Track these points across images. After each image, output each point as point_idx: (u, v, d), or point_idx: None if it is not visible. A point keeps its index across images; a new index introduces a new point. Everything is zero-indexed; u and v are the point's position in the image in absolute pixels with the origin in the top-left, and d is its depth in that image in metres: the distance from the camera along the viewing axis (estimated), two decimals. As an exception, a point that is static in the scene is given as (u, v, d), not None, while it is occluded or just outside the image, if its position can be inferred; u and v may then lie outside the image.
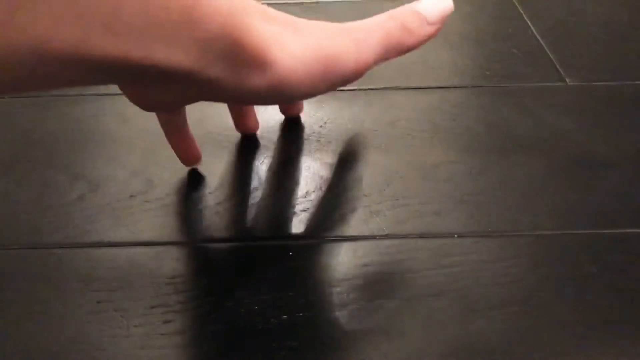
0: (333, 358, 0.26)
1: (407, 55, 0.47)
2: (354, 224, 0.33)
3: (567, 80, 0.44)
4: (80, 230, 0.32)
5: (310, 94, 0.27)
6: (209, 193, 0.35)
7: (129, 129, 0.40)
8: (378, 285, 0.30)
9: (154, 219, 0.33)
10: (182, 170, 0.36)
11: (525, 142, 0.38)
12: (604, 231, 0.32)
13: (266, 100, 0.29)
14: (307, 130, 0.40)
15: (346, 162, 0.37)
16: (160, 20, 0.21)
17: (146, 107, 0.27)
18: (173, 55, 0.22)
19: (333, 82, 0.27)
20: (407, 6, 0.30)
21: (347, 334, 0.27)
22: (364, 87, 0.43)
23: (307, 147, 0.39)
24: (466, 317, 0.28)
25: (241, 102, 0.35)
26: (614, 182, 0.35)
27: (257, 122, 0.39)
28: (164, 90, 0.25)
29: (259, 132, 0.39)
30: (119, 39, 0.20)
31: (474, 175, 0.36)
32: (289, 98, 0.27)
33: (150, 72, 0.22)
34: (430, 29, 0.30)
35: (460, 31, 0.51)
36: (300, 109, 0.40)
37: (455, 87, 0.44)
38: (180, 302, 0.29)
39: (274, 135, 0.39)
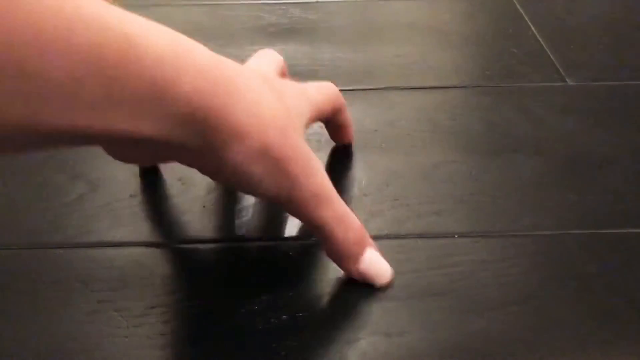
0: (332, 358, 0.26)
1: (407, 55, 0.48)
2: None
3: (568, 80, 0.44)
4: (80, 230, 0.32)
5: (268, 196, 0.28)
6: (209, 194, 0.35)
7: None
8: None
9: (154, 219, 0.33)
10: (182, 170, 0.36)
11: (525, 142, 0.38)
12: (603, 231, 0.32)
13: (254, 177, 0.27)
14: (307, 130, 0.40)
15: (346, 162, 0.37)
16: (128, 96, 0.21)
17: (124, 161, 0.29)
18: (141, 125, 0.22)
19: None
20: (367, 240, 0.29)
21: (347, 334, 0.27)
22: (364, 87, 0.43)
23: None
24: (466, 317, 0.28)
25: (226, 174, 0.29)
26: (614, 182, 0.35)
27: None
28: (139, 151, 0.27)
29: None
30: (79, 113, 0.20)
31: (474, 175, 0.36)
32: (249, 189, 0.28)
33: (116, 139, 0.23)
34: (350, 270, 0.29)
35: (460, 31, 0.51)
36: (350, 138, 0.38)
37: (455, 87, 0.44)
38: (180, 302, 0.29)
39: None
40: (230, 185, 0.30)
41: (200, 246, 0.32)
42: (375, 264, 0.29)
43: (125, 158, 0.29)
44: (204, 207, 0.34)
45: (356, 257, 0.29)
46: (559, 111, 0.41)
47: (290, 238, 0.32)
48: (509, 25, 0.52)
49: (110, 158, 0.37)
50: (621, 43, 0.49)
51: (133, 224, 0.33)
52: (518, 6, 0.54)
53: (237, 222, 0.33)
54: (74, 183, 0.35)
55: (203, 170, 0.28)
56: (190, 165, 0.28)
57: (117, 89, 0.21)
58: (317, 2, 0.55)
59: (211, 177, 0.29)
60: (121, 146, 0.27)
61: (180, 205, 0.34)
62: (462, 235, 0.32)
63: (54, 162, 0.37)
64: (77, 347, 0.27)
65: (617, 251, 0.31)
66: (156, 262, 0.30)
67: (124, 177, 0.36)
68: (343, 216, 0.28)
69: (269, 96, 0.27)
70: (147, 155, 0.29)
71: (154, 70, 0.22)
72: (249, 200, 0.34)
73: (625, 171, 0.36)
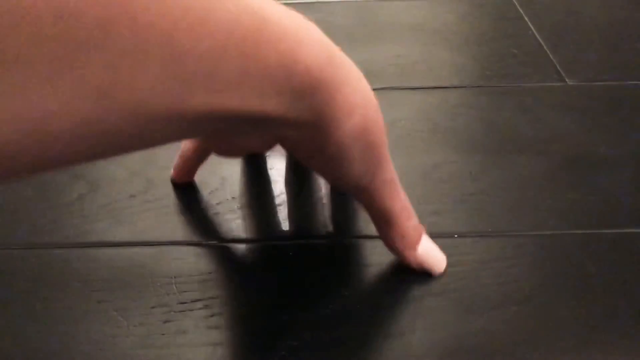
0: (333, 358, 0.26)
1: (407, 55, 0.48)
2: (356, 225, 0.33)
3: (567, 80, 0.44)
4: (80, 230, 0.32)
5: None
6: (209, 193, 0.35)
7: (129, 129, 0.39)
8: (379, 285, 0.30)
9: (154, 219, 0.33)
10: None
11: (525, 141, 0.38)
12: (603, 231, 0.32)
13: (353, 150, 0.26)
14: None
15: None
16: (260, 72, 0.21)
17: (228, 154, 0.28)
18: (267, 103, 0.22)
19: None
20: (425, 238, 0.30)
21: (348, 334, 0.27)
22: (364, 87, 0.43)
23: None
24: (466, 317, 0.28)
25: (327, 154, 0.28)
26: (614, 182, 0.35)
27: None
28: (252, 137, 0.26)
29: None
30: (216, 95, 0.20)
31: (474, 175, 0.36)
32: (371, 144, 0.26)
33: (244, 120, 0.22)
34: (410, 256, 0.30)
35: (460, 31, 0.51)
36: None
37: (455, 87, 0.44)
38: (181, 302, 0.29)
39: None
40: (318, 169, 0.28)
41: (201, 246, 0.32)
42: (432, 251, 0.30)
43: (231, 149, 0.29)
44: (204, 207, 0.34)
45: (415, 244, 0.30)
46: (559, 111, 0.41)
47: (291, 239, 0.32)
48: (509, 26, 0.52)
49: (110, 158, 0.37)
50: (621, 43, 0.49)
51: (133, 224, 0.33)
52: (518, 7, 0.54)
53: (236, 222, 0.33)
54: (74, 183, 0.35)
55: (303, 152, 0.27)
56: (292, 148, 0.27)
57: (252, 65, 0.20)
58: (318, 2, 0.55)
59: (305, 161, 0.28)
60: (234, 133, 0.26)
61: (181, 205, 0.34)
62: (461, 235, 0.32)
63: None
64: (78, 347, 0.27)
65: (617, 251, 0.31)
66: (156, 262, 0.30)
67: (124, 177, 0.36)
68: (406, 203, 0.29)
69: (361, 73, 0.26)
70: (255, 142, 0.28)
71: (282, 44, 0.21)
72: (251, 201, 0.34)
73: (625, 171, 0.36)
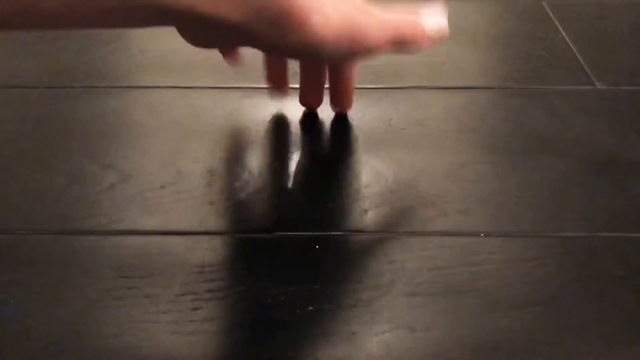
0: (358, 351, 0.27)
1: (435, 55, 0.48)
2: (380, 221, 0.33)
3: (596, 83, 0.44)
4: (111, 218, 0.33)
5: (335, 58, 0.33)
6: (239, 185, 0.35)
7: (158, 121, 0.40)
8: (403, 281, 0.30)
9: (184, 209, 0.34)
10: (211, 162, 0.37)
11: (552, 144, 0.38)
12: (630, 234, 0.32)
13: (299, 56, 0.34)
14: (334, 128, 0.40)
15: (373, 159, 0.37)
16: None
17: (197, 45, 0.31)
18: (226, 12, 0.27)
19: (354, 51, 0.31)
20: (414, 18, 0.33)
21: (373, 328, 0.27)
22: (392, 86, 0.43)
23: (334, 144, 0.39)
24: (490, 315, 0.28)
25: (278, 54, 0.38)
26: (642, 186, 0.35)
27: (320, 99, 0.40)
28: (216, 35, 0.30)
29: (289, 128, 0.40)
30: None
31: (501, 176, 0.36)
32: (317, 57, 0.32)
33: (203, 22, 0.27)
34: (427, 41, 0.33)
35: (489, 33, 0.51)
36: (347, 107, 0.41)
37: (482, 87, 0.44)
38: (209, 290, 0.29)
39: (303, 131, 0.40)
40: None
41: (230, 236, 0.32)
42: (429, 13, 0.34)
43: (199, 42, 0.31)
44: (233, 198, 0.34)
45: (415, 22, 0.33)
46: (588, 114, 0.41)
47: (317, 231, 0.32)
48: (538, 28, 0.52)
49: (140, 149, 0.38)
50: (652, 48, 0.49)
51: (163, 213, 0.33)
52: (547, 9, 0.54)
53: (265, 213, 0.34)
54: (106, 173, 0.36)
55: (270, 51, 0.35)
56: (258, 48, 0.31)
57: None
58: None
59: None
60: (202, 31, 0.29)
61: (210, 196, 0.35)
62: (487, 234, 0.32)
63: (86, 152, 0.37)
64: (108, 332, 0.27)
65: (644, 255, 0.31)
66: (186, 251, 0.31)
67: (155, 168, 0.36)
68: (389, 16, 0.32)
69: None
70: (221, 40, 0.32)
71: None
72: (277, 193, 0.35)
73: (654, 176, 0.36)
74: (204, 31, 0.29)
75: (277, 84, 0.40)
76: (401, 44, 0.33)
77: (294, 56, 0.35)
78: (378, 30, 0.31)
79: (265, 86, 0.40)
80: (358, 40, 0.30)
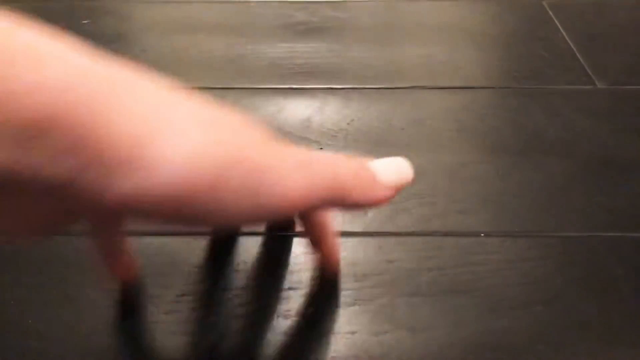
0: (358, 350, 0.27)
1: (435, 55, 0.48)
2: (380, 220, 0.33)
3: (597, 83, 0.44)
4: (112, 219, 0.33)
5: (202, 221, 0.19)
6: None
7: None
8: (403, 281, 0.30)
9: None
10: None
11: (552, 143, 0.38)
12: (630, 234, 0.32)
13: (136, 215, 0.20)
14: (334, 128, 0.40)
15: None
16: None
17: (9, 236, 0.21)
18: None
19: (242, 207, 0.19)
20: (363, 161, 0.24)
21: (373, 328, 0.28)
22: (392, 86, 0.43)
23: (334, 144, 0.39)
24: (490, 315, 0.28)
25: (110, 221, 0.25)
26: (642, 186, 0.35)
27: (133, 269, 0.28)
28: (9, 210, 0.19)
29: (287, 130, 0.40)
30: None
31: (501, 176, 0.36)
32: (164, 217, 0.19)
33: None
34: (382, 194, 0.24)
35: (489, 32, 0.51)
36: (336, 263, 0.30)
37: (482, 87, 0.44)
38: (209, 291, 0.29)
39: (302, 131, 0.40)
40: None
41: (230, 237, 0.32)
42: (385, 164, 0.24)
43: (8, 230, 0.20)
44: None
45: (373, 179, 0.23)
46: (588, 114, 0.41)
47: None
48: (539, 28, 0.52)
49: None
50: (652, 48, 0.49)
51: (163, 214, 0.33)
52: (548, 9, 0.54)
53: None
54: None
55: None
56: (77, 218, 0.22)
57: None
58: (347, 1, 0.55)
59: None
60: None
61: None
62: (488, 234, 0.32)
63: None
64: (109, 331, 0.27)
65: (644, 255, 0.31)
66: (186, 252, 0.31)
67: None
68: (323, 157, 0.23)
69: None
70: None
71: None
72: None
73: (654, 175, 0.36)
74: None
75: (119, 269, 0.28)
76: (340, 199, 0.22)
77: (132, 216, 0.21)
78: (300, 177, 0.20)
79: (267, 86, 0.40)
80: (248, 186, 0.19)
